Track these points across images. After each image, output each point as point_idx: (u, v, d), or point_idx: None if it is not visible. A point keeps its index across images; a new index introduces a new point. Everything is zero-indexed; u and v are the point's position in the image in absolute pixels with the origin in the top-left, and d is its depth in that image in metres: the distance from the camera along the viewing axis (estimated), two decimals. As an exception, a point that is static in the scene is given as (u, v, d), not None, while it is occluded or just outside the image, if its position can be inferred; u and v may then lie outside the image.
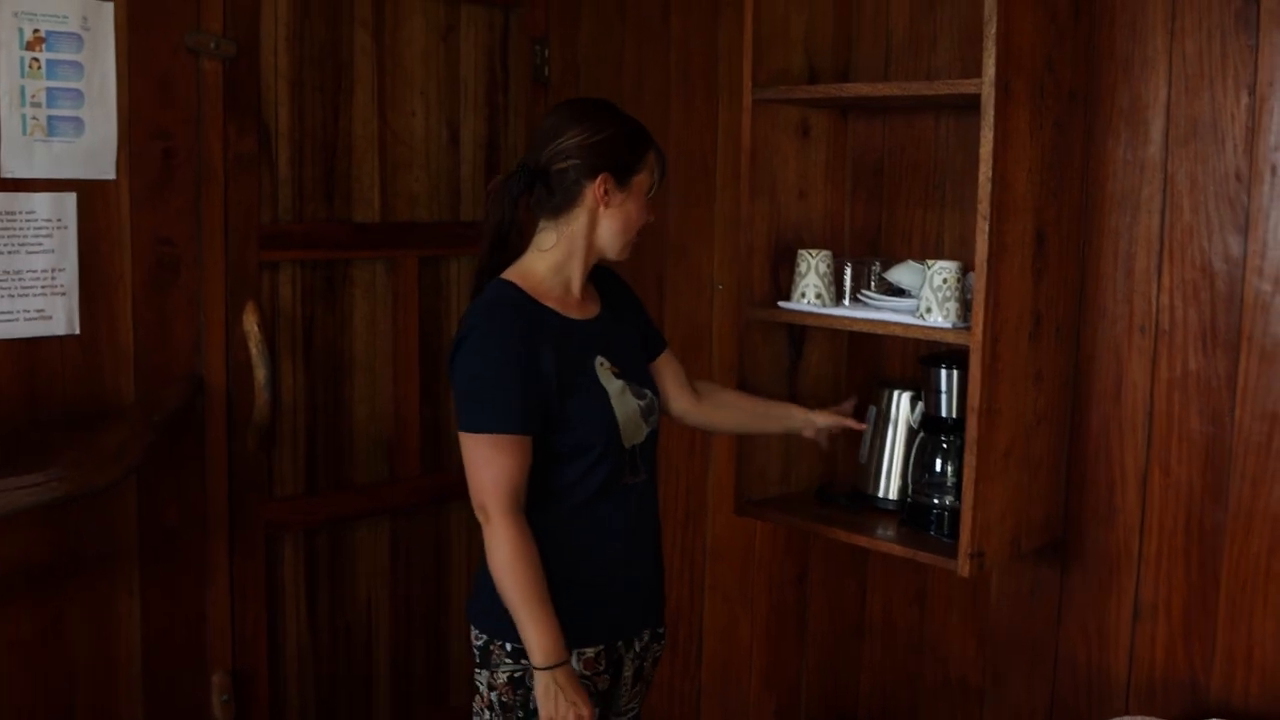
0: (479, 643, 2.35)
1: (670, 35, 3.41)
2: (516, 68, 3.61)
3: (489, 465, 2.21)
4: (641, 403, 2.38)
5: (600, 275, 2.49)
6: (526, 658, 2.23)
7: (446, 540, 3.63)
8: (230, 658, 3.11)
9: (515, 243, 2.38)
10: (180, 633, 3.03)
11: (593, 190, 2.31)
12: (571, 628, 2.25)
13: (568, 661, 2.22)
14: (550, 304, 2.32)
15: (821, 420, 2.70)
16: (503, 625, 2.25)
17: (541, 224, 2.37)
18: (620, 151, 2.32)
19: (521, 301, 2.30)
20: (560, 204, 2.33)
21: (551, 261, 2.35)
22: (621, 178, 2.33)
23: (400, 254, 3.38)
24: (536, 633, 2.19)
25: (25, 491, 2.28)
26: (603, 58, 3.58)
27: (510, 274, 2.35)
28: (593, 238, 2.35)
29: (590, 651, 2.32)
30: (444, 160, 3.49)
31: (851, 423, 2.71)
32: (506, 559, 2.20)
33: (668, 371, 2.61)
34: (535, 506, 2.27)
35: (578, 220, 2.33)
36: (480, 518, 2.24)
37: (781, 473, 2.99)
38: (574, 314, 2.36)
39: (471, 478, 2.24)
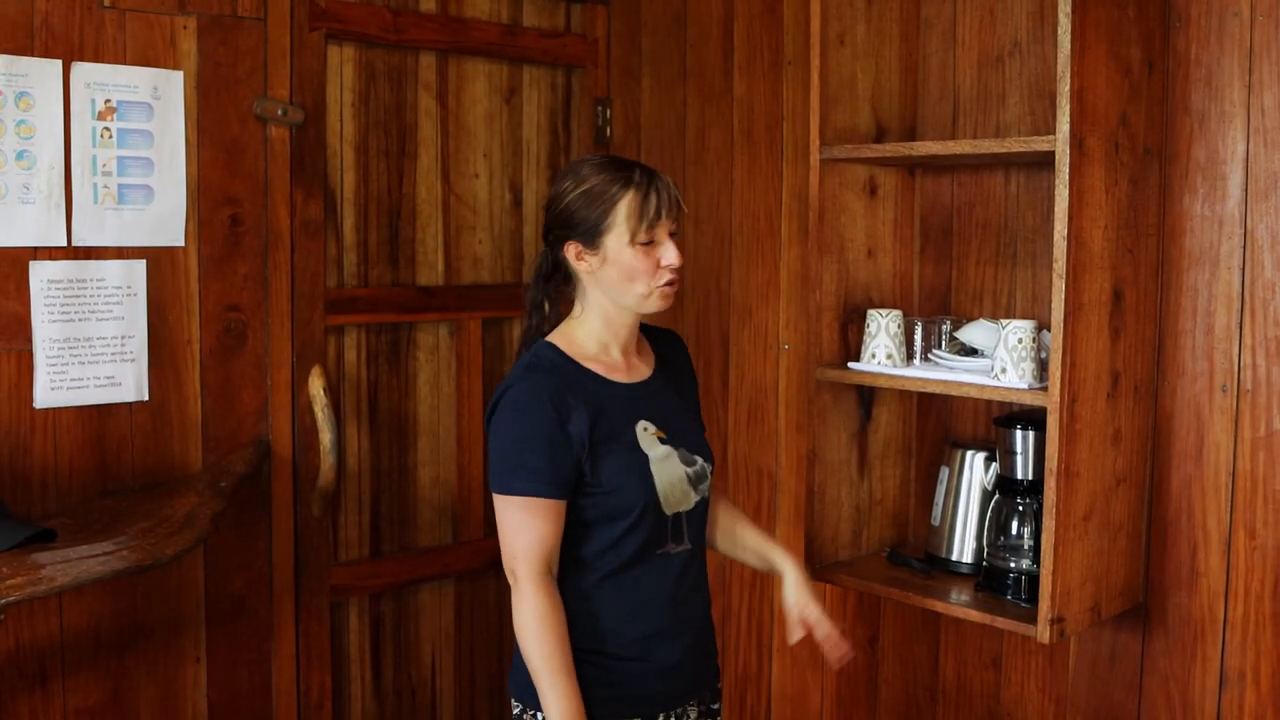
0: (516, 711, 2.32)
1: (733, 94, 3.40)
2: (579, 129, 3.62)
3: (521, 529, 2.19)
4: (690, 469, 2.32)
5: (664, 340, 2.48)
6: None
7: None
8: (296, 724, 3.10)
9: (551, 318, 2.38)
10: (246, 699, 3.01)
11: (571, 259, 2.30)
12: (608, 699, 2.22)
13: None
14: (591, 366, 2.30)
15: (797, 609, 2.39)
16: (537, 697, 2.21)
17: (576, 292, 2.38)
18: (578, 215, 2.26)
19: (560, 363, 2.28)
20: (566, 275, 2.35)
21: (586, 326, 2.34)
22: (588, 240, 2.27)
23: (464, 316, 3.38)
24: (556, 701, 2.15)
25: (96, 561, 2.27)
26: (665, 118, 3.58)
27: (554, 336, 2.34)
28: (603, 299, 2.32)
29: None
30: (507, 222, 3.49)
31: (826, 646, 2.38)
32: (531, 626, 2.18)
33: None
34: (569, 571, 2.25)
35: (585, 286, 2.33)
36: (510, 580, 2.22)
37: (852, 535, 2.94)
38: (618, 376, 2.32)
39: (503, 540, 2.22)
